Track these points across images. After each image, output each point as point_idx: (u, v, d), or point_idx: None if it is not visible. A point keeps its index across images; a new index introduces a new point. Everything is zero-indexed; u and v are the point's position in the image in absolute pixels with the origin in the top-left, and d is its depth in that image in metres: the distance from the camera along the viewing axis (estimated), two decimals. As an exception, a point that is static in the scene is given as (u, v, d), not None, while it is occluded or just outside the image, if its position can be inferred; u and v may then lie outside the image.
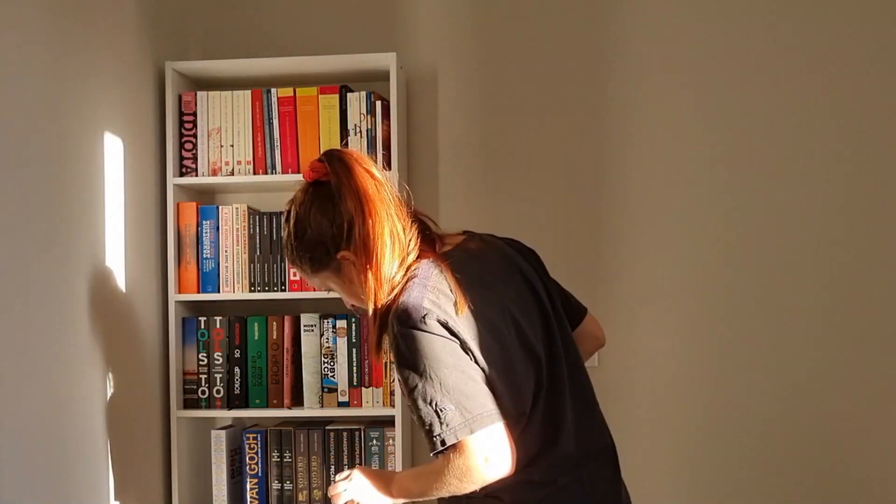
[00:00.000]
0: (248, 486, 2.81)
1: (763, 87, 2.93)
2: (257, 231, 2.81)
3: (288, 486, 2.81)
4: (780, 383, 2.90)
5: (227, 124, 2.84)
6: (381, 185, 1.68)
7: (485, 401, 1.57)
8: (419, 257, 1.70)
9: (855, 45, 2.90)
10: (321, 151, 2.75)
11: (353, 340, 2.77)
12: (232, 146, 2.84)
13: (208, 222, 2.82)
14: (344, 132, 2.80)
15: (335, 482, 1.80)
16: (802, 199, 2.91)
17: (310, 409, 2.79)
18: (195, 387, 2.81)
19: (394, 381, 2.73)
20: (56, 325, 2.25)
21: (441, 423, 1.55)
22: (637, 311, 2.96)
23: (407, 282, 1.64)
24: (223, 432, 2.82)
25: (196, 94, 2.84)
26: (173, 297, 2.80)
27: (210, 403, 2.81)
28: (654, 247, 2.96)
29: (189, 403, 2.81)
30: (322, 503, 2.79)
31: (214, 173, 2.84)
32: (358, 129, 2.79)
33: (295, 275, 2.77)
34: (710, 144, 2.94)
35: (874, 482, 2.88)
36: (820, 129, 2.90)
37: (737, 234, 2.93)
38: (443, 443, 1.55)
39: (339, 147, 2.01)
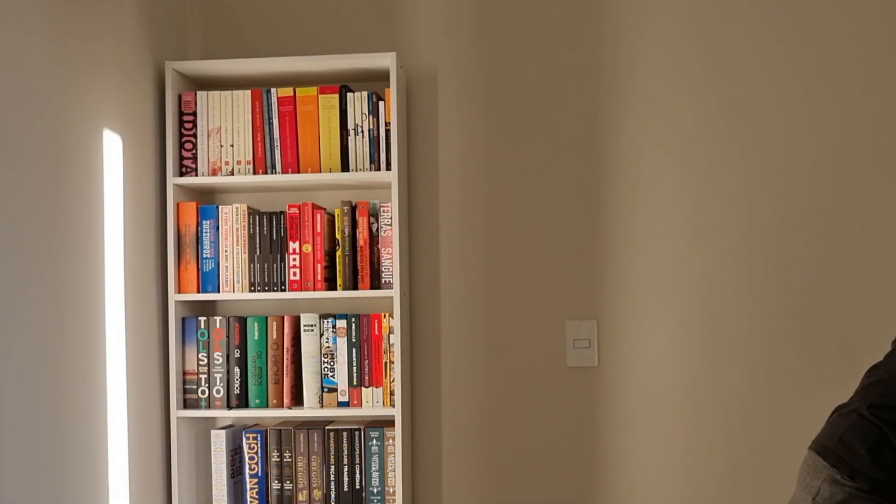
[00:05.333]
0: (248, 486, 2.83)
1: (762, 89, 2.95)
2: (257, 231, 2.83)
3: (288, 486, 2.83)
4: (779, 385, 2.92)
5: (227, 124, 2.86)
6: None
7: None
8: None
9: (853, 50, 2.91)
10: (321, 151, 2.84)
11: (353, 340, 2.80)
12: (232, 146, 2.85)
13: (208, 222, 2.84)
14: (344, 132, 2.83)
15: None
16: (802, 202, 2.92)
17: (310, 409, 2.81)
18: (195, 387, 2.83)
19: (393, 381, 2.78)
20: (54, 325, 2.26)
21: None
22: (637, 312, 2.98)
23: None
24: (223, 432, 2.84)
25: (196, 93, 2.85)
26: (173, 296, 2.81)
27: (210, 403, 2.83)
28: (654, 247, 2.98)
29: (189, 403, 2.83)
30: (322, 503, 2.81)
31: (214, 173, 2.86)
32: (360, 129, 2.83)
33: (295, 274, 2.81)
34: (710, 147, 2.96)
35: None
36: (818, 132, 2.92)
37: (737, 237, 2.94)
38: None
39: None
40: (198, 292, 2.85)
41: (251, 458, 2.84)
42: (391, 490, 2.81)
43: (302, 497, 2.82)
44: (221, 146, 2.86)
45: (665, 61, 2.97)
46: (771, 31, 2.94)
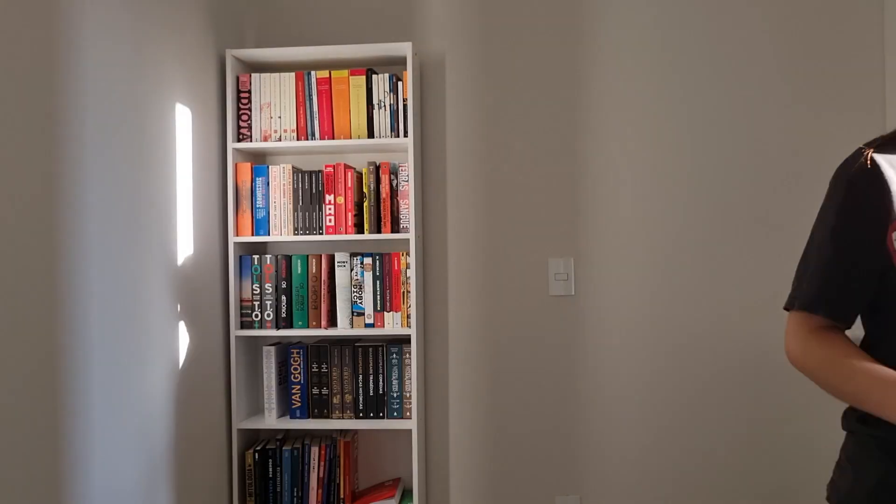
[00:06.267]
0: (293, 392, 3.01)
1: (714, 58, 3.07)
2: (300, 186, 2.95)
3: (325, 391, 2.98)
4: (727, 301, 3.04)
5: (275, 100, 2.98)
6: None
7: None
8: None
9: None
10: (351, 122, 2.89)
11: (377, 274, 2.93)
12: (280, 117, 2.98)
13: (260, 179, 2.98)
14: (370, 106, 2.93)
15: None
16: (747, 153, 3.03)
17: (342, 330, 2.94)
18: (250, 311, 2.98)
19: (410, 306, 2.90)
20: (137, 259, 2.36)
21: None
22: (606, 250, 3.10)
23: None
24: (272, 348, 2.99)
25: (251, 75, 2.99)
26: (232, 239, 2.97)
27: (262, 325, 2.97)
28: (621, 197, 3.09)
29: (245, 325, 2.98)
30: (352, 405, 2.94)
31: (265, 139, 2.97)
32: (383, 104, 2.93)
33: (330, 221, 2.92)
34: (667, 114, 3.08)
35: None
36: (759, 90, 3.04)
37: (690, 186, 3.06)
38: None
39: None
40: (252, 235, 2.97)
41: (295, 369, 2.99)
42: (408, 394, 2.95)
43: (336, 400, 2.97)
44: (271, 118, 2.98)
45: (631, 39, 3.10)
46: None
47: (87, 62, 2.15)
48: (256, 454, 3.01)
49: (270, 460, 3.00)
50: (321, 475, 3.00)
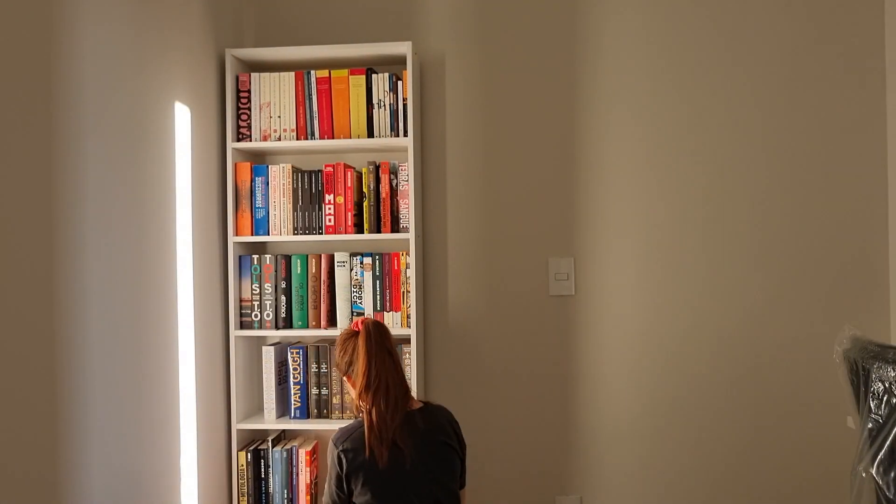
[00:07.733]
0: (292, 392, 3.05)
1: (713, 57, 3.07)
2: (300, 185, 3.00)
3: (324, 391, 3.02)
4: (739, 312, 3.09)
5: (275, 99, 3.03)
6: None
7: None
8: None
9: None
10: (351, 121, 2.94)
11: (377, 274, 2.98)
12: (279, 117, 3.03)
13: (260, 178, 3.02)
14: (370, 106, 2.97)
15: None
16: (743, 159, 3.06)
17: (342, 330, 2.84)
18: (250, 311, 3.03)
19: (410, 306, 2.93)
20: (134, 259, 2.36)
21: None
22: (606, 251, 3.13)
23: None
24: (272, 348, 3.04)
25: (250, 74, 3.04)
26: (232, 238, 3.02)
27: (261, 325, 3.02)
28: (620, 199, 3.12)
29: (245, 325, 3.03)
30: (351, 405, 2.96)
31: (265, 139, 3.02)
32: (382, 104, 2.97)
33: (330, 220, 2.95)
34: (677, 108, 3.10)
35: (807, 390, 3.06)
36: (759, 92, 3.07)
37: (686, 190, 3.08)
38: None
39: None
40: (251, 235, 3.02)
41: (294, 369, 3.02)
42: (409, 394, 2.95)
43: (336, 400, 3.00)
44: (271, 117, 3.02)
45: (628, 39, 3.13)
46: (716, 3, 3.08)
47: (86, 60, 2.18)
48: (249, 454, 3.03)
49: (262, 461, 3.04)
50: (308, 480, 3.05)
